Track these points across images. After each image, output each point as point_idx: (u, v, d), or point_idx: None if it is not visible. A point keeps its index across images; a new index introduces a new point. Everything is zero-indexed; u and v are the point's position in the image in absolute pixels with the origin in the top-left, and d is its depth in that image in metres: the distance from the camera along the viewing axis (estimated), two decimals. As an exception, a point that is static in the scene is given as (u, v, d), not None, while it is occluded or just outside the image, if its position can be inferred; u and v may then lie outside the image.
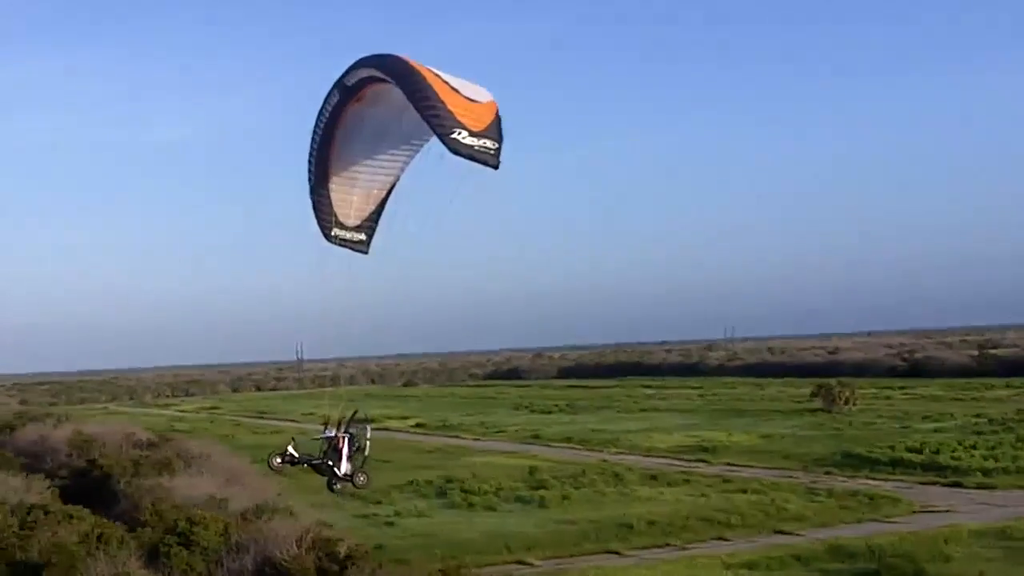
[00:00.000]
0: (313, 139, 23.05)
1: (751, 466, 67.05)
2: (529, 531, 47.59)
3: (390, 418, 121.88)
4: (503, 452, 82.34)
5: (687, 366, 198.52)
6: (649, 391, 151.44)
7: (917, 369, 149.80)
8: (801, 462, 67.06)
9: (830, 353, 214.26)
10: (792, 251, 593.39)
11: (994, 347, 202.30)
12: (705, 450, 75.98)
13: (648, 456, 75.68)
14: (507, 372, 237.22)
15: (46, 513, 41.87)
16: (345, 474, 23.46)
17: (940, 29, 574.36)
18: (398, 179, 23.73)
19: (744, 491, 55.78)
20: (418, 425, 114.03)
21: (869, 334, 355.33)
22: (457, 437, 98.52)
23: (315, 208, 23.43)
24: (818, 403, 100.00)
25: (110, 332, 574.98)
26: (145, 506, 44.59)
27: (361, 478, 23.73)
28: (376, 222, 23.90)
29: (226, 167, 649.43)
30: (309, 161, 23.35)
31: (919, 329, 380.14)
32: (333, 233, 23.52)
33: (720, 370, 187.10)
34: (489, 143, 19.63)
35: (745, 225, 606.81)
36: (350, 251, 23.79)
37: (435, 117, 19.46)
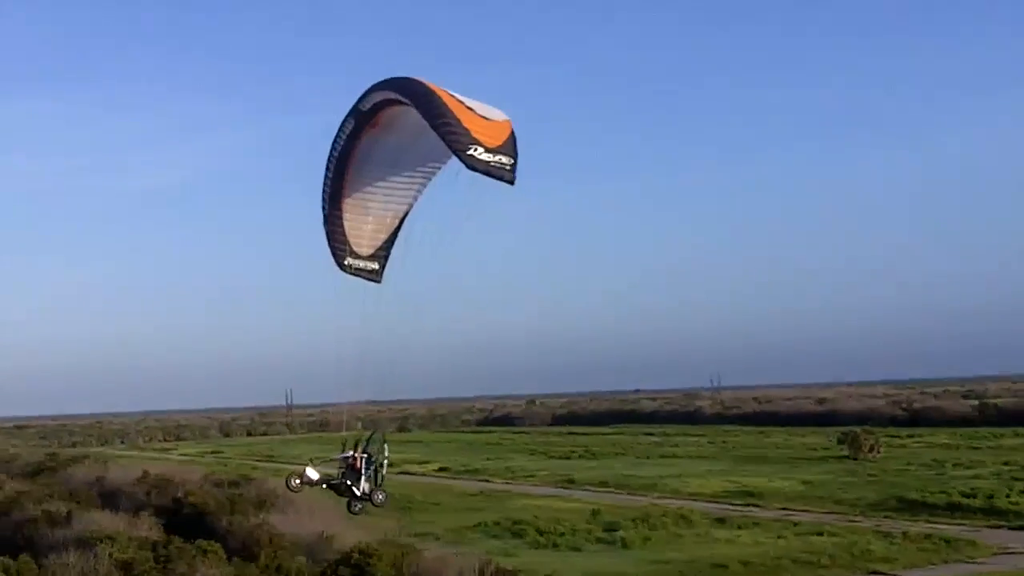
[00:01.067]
0: (327, 168, 23.08)
1: (807, 510, 68.71)
2: (630, 571, 49.04)
3: (408, 462, 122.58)
4: (548, 495, 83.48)
5: (683, 414, 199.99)
6: (654, 438, 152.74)
7: (917, 419, 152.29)
8: (854, 507, 68.91)
9: (817, 403, 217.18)
10: (771, 302, 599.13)
11: (979, 397, 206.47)
12: (751, 495, 77.55)
13: (695, 500, 77.15)
14: (499, 418, 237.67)
15: (179, 547, 43.09)
16: (364, 493, 23.45)
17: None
18: (411, 207, 23.78)
19: (820, 534, 57.50)
20: (441, 469, 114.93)
21: (848, 384, 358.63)
22: (487, 481, 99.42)
23: (329, 237, 23.40)
24: (843, 450, 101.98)
25: (84, 376, 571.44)
26: (261, 540, 46.01)
27: (380, 496, 23.72)
28: (389, 251, 23.83)
29: (205, 213, 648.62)
30: (323, 190, 23.33)
31: (893, 380, 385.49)
32: (347, 262, 23.46)
33: (718, 418, 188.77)
34: (504, 159, 19.77)
35: (722, 276, 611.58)
36: (362, 283, 23.50)
37: (451, 134, 19.63)
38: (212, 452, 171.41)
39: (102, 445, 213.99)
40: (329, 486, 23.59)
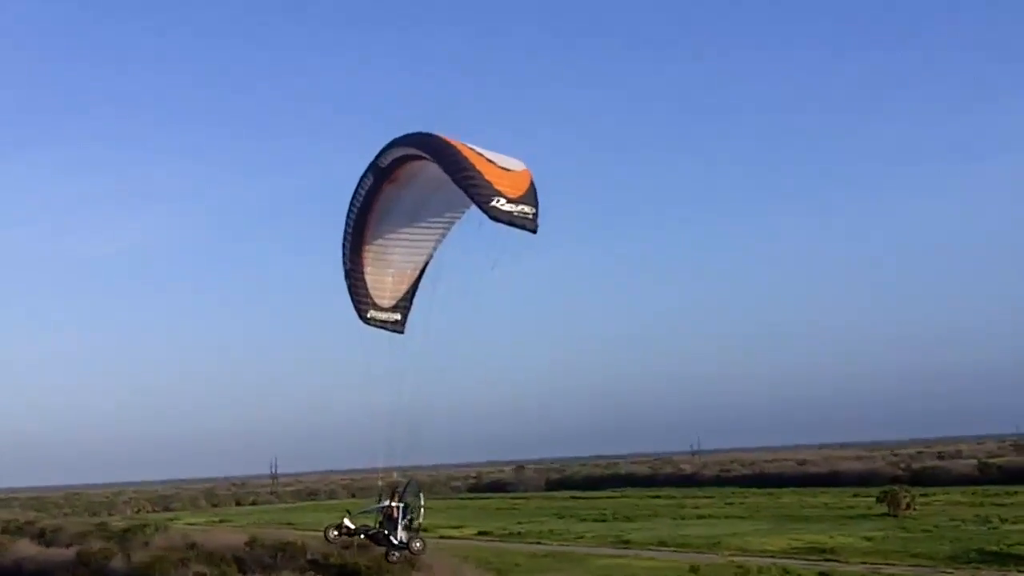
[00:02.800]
0: (347, 223, 23.19)
1: (891, 563, 71.78)
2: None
3: (439, 527, 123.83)
4: (621, 555, 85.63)
5: (681, 477, 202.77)
6: (662, 501, 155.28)
7: (919, 479, 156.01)
8: (934, 559, 72.00)
9: (798, 464, 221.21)
10: (744, 367, 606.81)
11: (942, 457, 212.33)
12: (822, 551, 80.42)
13: (771, 557, 79.72)
14: (489, 485, 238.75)
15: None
16: (401, 542, 23.92)
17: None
18: (431, 256, 23.96)
19: (929, 583, 60.72)
20: (481, 533, 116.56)
21: (820, 446, 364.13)
22: (538, 543, 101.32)
23: (351, 291, 23.67)
24: (879, 508, 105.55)
25: (53, 447, 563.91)
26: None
27: (417, 544, 24.22)
28: (411, 301, 24.14)
29: (166, 279, 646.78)
30: (344, 244, 23.38)
31: (860, 443, 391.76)
32: (369, 315, 23.69)
33: (717, 480, 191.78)
34: (527, 208, 19.83)
35: (687, 341, 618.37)
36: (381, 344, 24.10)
37: (473, 187, 19.70)
38: (222, 521, 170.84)
39: (92, 515, 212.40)
40: (367, 536, 24.73)
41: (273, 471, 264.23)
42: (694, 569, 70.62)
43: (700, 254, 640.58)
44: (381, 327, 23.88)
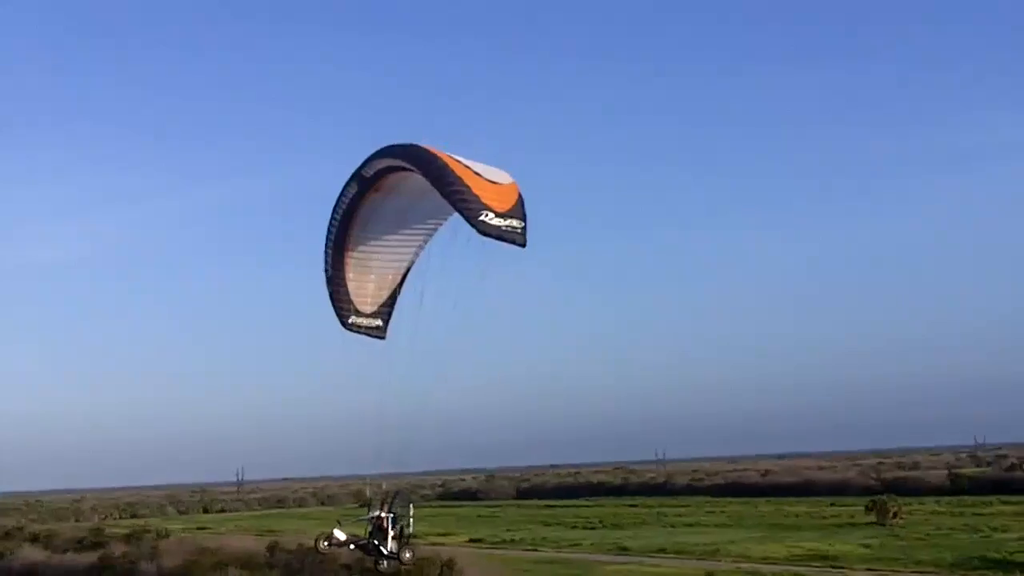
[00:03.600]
0: (329, 229, 23.11)
1: (897, 571, 73.93)
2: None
3: (427, 534, 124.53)
4: (626, 563, 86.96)
5: (654, 486, 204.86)
6: (641, 510, 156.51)
7: (891, 489, 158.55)
8: (938, 566, 74.15)
9: (762, 475, 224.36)
10: (706, 377, 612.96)
11: (903, 468, 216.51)
12: (824, 558, 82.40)
13: (775, 564, 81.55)
14: (458, 493, 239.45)
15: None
16: (391, 552, 23.88)
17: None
18: (413, 263, 23.97)
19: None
20: (473, 540, 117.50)
21: (780, 456, 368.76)
22: (535, 551, 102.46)
23: (332, 298, 23.47)
24: (867, 517, 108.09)
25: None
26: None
27: (407, 554, 24.39)
28: (392, 307, 24.08)
29: (124, 286, 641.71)
30: (326, 251, 23.40)
31: (818, 453, 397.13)
32: (351, 321, 23.58)
33: (689, 490, 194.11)
34: (515, 222, 19.95)
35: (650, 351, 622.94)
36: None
37: (462, 201, 19.70)
38: (197, 528, 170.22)
39: (58, 522, 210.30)
40: (357, 546, 24.50)
41: (239, 478, 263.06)
42: (710, 574, 72.18)
43: (665, 264, 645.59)
44: (362, 333, 23.88)
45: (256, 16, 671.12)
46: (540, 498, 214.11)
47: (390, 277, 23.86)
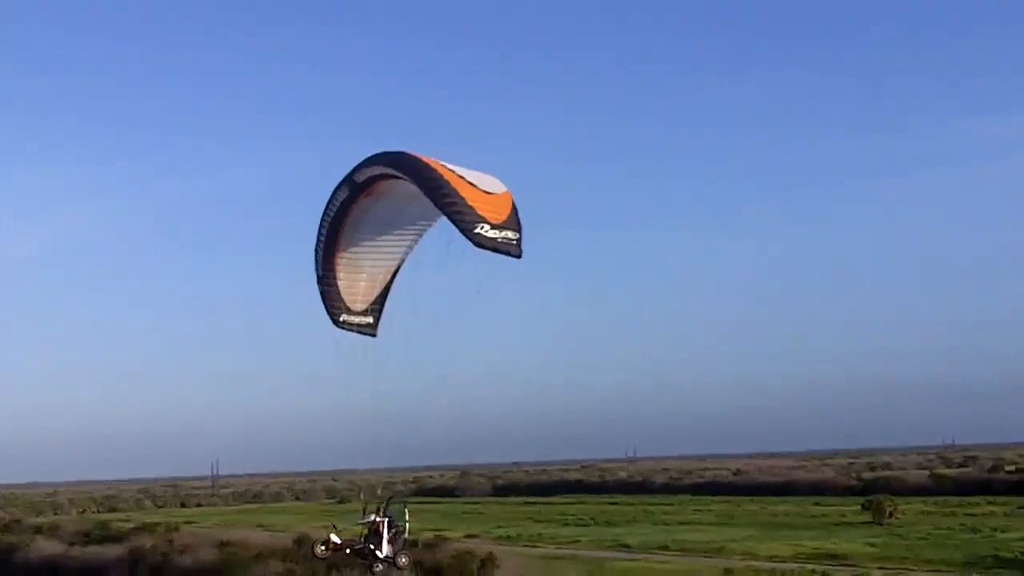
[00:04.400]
0: (320, 231, 23.34)
1: (910, 569, 75.33)
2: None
3: (422, 529, 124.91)
4: (635, 559, 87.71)
5: (633, 484, 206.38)
6: (626, 508, 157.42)
7: (871, 489, 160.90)
8: (951, 566, 75.65)
9: (734, 474, 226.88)
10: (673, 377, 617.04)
11: (874, 468, 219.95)
12: (833, 556, 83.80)
13: (784, 562, 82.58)
14: (433, 489, 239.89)
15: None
16: (387, 556, 24.00)
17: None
18: (403, 261, 24.19)
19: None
20: (468, 536, 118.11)
21: (751, 456, 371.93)
22: (535, 547, 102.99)
23: (323, 297, 23.73)
24: (863, 516, 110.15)
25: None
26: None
27: (403, 560, 24.43)
28: (382, 304, 24.27)
29: (95, 279, 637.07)
30: (316, 252, 23.56)
31: (786, 452, 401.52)
32: (342, 319, 23.87)
33: (667, 488, 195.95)
34: (510, 234, 19.99)
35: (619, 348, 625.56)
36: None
37: (457, 213, 19.72)
38: (187, 523, 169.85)
39: (37, 515, 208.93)
40: (353, 551, 24.54)
41: (214, 473, 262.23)
42: (728, 572, 73.40)
43: (632, 265, 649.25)
44: (353, 330, 24.15)
45: (218, 10, 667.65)
46: (517, 495, 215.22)
47: (380, 276, 24.09)
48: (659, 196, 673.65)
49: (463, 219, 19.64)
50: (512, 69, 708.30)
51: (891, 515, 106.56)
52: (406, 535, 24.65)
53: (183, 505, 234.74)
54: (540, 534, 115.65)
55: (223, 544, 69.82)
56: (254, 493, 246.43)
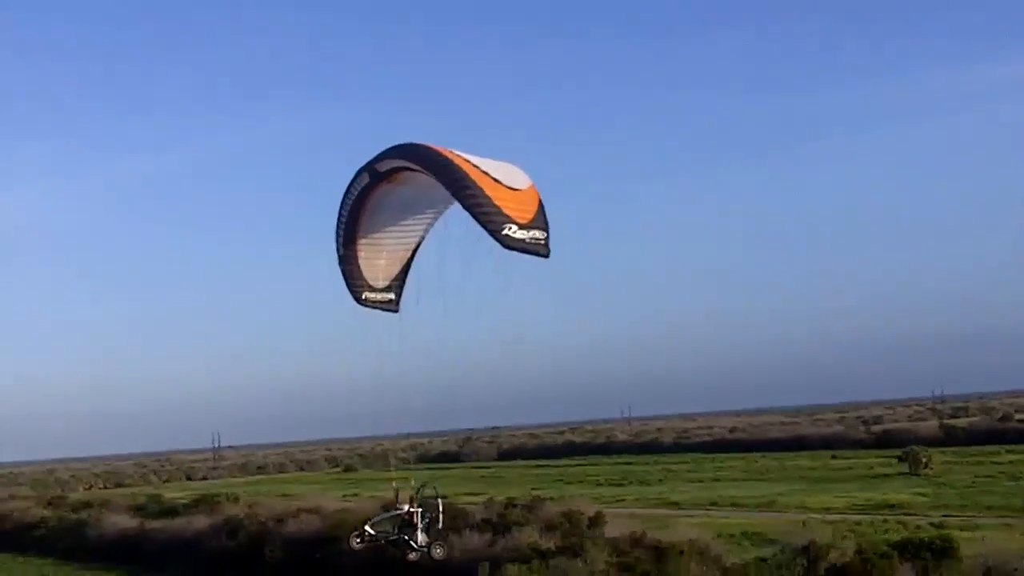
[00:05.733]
0: (340, 215, 23.38)
1: (980, 516, 76.52)
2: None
3: (454, 495, 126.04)
4: (689, 516, 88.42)
5: (640, 445, 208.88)
6: (641, 467, 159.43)
7: (883, 441, 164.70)
8: (1013, 511, 77.75)
9: (730, 431, 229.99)
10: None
11: (867, 422, 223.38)
12: (890, 507, 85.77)
13: (841, 513, 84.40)
14: (437, 456, 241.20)
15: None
16: (421, 546, 23.90)
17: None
18: (423, 238, 24.24)
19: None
20: (509, 499, 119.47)
21: (737, 414, 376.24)
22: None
23: (345, 276, 23.86)
24: (899, 468, 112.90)
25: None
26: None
27: (438, 550, 24.32)
28: (403, 281, 24.37)
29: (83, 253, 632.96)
30: (337, 234, 23.66)
31: (773, 408, 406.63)
32: (364, 296, 23.93)
33: (676, 447, 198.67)
34: (538, 233, 19.79)
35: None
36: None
37: (484, 214, 19.52)
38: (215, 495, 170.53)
39: (44, 491, 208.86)
40: (388, 542, 24.52)
41: (215, 445, 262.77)
42: (803, 525, 75.10)
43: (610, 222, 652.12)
44: (375, 307, 24.19)
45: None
46: (524, 459, 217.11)
47: (400, 253, 24.24)
48: (644, 144, 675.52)
49: (490, 220, 19.50)
50: (465, 33, 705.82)
51: (927, 466, 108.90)
52: (440, 525, 24.42)
53: (188, 478, 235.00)
54: (581, 495, 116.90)
55: (330, 512, 70.75)
56: (257, 465, 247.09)
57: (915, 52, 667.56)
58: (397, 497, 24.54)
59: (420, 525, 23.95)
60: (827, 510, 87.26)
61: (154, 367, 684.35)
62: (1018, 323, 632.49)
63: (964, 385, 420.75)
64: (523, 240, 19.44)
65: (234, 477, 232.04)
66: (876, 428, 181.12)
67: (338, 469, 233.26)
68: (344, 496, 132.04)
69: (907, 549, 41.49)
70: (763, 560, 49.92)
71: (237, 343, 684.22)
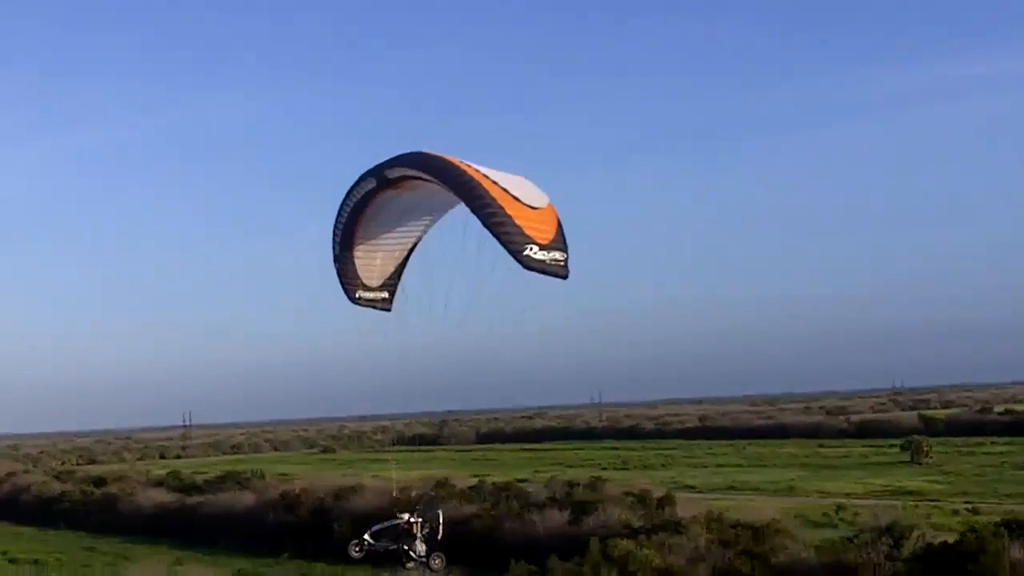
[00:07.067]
0: (340, 214, 23.21)
1: (1000, 502, 79.51)
2: None
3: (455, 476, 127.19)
4: (716, 500, 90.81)
5: (621, 431, 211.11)
6: (634, 452, 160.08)
7: (865, 431, 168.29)
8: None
9: (699, 420, 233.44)
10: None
11: (831, 412, 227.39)
12: (909, 493, 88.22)
13: (863, 499, 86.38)
14: (413, 439, 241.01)
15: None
16: (420, 556, 23.82)
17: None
18: (420, 239, 24.13)
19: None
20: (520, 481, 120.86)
21: (700, 401, 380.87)
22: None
23: (340, 275, 23.68)
24: (898, 456, 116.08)
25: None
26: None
27: (436, 562, 24.09)
28: (398, 280, 24.15)
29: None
30: (335, 234, 23.58)
31: (737, 397, 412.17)
32: (358, 295, 23.80)
33: (659, 433, 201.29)
34: (559, 255, 19.56)
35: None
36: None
37: (504, 234, 19.28)
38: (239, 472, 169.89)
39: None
40: (388, 551, 24.47)
41: (186, 423, 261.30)
42: (839, 509, 77.21)
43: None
44: (368, 306, 24.05)
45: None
46: (501, 442, 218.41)
47: (397, 253, 24.12)
48: (604, 133, 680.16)
49: (511, 240, 19.31)
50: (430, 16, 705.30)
51: (927, 455, 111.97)
52: (440, 536, 24.25)
53: (162, 456, 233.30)
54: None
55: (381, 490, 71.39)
56: (231, 444, 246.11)
57: (879, 46, 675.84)
58: (396, 509, 24.48)
59: (420, 535, 23.85)
60: (848, 495, 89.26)
61: (112, 344, 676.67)
62: (974, 318, 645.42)
63: (920, 378, 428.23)
64: (543, 261, 19.33)
65: (208, 456, 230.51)
66: (856, 419, 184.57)
67: (315, 450, 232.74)
68: (343, 475, 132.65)
69: (1012, 528, 43.41)
70: (850, 539, 51.61)
71: (201, 320, 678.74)
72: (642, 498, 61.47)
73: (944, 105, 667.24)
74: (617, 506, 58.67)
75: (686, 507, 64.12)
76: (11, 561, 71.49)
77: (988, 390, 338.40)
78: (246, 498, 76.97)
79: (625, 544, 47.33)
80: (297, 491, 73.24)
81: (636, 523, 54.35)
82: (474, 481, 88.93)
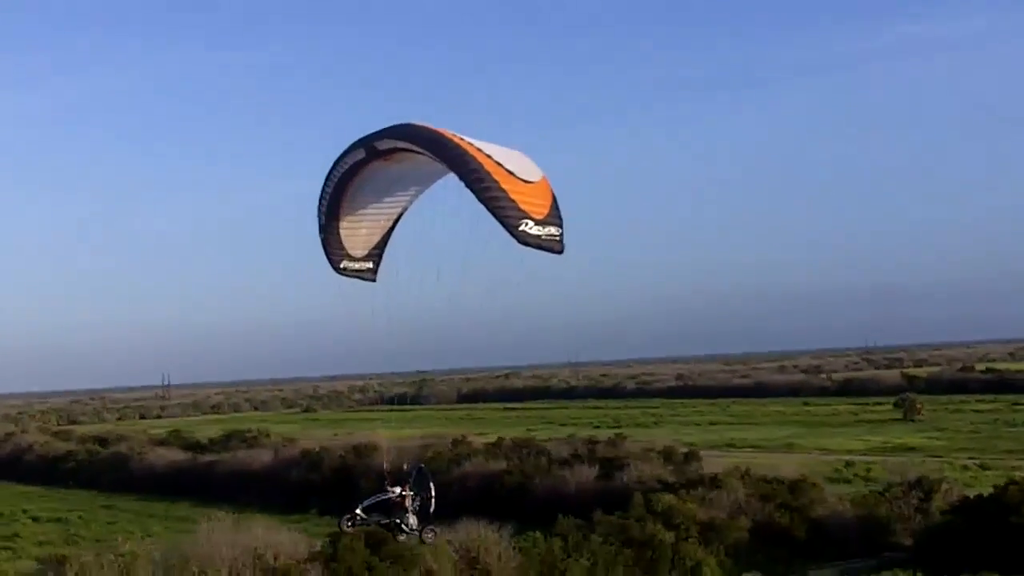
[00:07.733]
0: (326, 184, 23.21)
1: (1001, 458, 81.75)
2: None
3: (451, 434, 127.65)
4: (724, 456, 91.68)
5: (602, 390, 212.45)
6: (619, 411, 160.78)
7: (846, 391, 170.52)
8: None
9: (677, 378, 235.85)
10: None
11: (824, 370, 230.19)
12: (911, 450, 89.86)
13: (864, 455, 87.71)
14: (392, 398, 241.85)
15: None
16: (413, 529, 23.85)
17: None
18: (405, 209, 24.11)
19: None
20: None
21: (674, 360, 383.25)
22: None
23: (324, 245, 23.68)
24: (891, 413, 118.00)
25: None
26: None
27: (429, 535, 24.33)
28: (383, 250, 24.16)
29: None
30: (320, 204, 23.51)
31: (706, 356, 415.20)
32: (342, 265, 23.83)
33: (640, 393, 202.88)
34: (553, 230, 19.70)
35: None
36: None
37: (500, 208, 19.40)
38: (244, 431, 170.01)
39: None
40: (380, 524, 24.31)
41: (165, 383, 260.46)
42: (848, 465, 78.71)
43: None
44: (353, 276, 23.80)
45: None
46: (484, 401, 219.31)
47: (382, 223, 23.91)
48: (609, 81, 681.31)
49: (507, 215, 19.31)
50: None
51: (919, 412, 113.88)
52: (431, 508, 23.95)
53: (142, 416, 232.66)
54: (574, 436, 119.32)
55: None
56: (212, 404, 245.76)
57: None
58: (386, 481, 23.95)
59: (411, 508, 23.63)
60: (850, 452, 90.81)
61: (83, 304, 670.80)
62: (940, 279, 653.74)
63: (890, 338, 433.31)
64: (539, 236, 19.41)
65: (190, 416, 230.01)
66: (838, 376, 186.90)
67: (295, 410, 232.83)
68: (335, 435, 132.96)
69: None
70: (881, 493, 52.87)
71: (177, 280, 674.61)
72: (668, 454, 62.21)
73: (917, 67, 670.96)
74: (646, 462, 59.47)
75: (708, 464, 65.20)
76: (34, 519, 71.61)
77: (958, 349, 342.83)
78: (263, 456, 77.37)
79: (668, 498, 48.27)
80: (318, 449, 73.63)
81: (669, 478, 55.24)
82: (484, 440, 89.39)
